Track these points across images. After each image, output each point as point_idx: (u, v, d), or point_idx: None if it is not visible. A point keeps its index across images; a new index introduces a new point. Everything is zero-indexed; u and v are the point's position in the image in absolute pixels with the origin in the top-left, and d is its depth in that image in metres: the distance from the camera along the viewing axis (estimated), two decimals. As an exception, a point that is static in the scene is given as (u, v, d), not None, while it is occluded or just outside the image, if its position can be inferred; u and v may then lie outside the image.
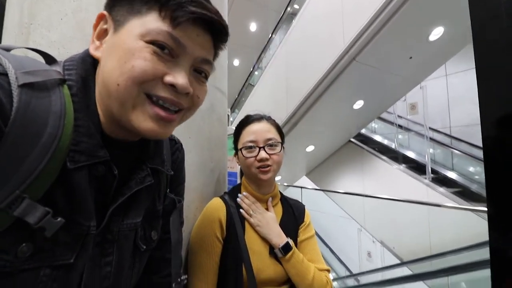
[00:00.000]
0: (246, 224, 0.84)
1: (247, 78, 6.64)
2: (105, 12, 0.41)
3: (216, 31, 0.42)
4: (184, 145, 0.90)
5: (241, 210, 0.85)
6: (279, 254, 0.79)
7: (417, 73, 3.48)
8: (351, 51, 2.93)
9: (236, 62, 8.85)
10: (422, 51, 3.06)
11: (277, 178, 6.09)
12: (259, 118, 0.90)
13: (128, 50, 0.37)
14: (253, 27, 7.69)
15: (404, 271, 3.38)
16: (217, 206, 0.84)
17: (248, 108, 5.29)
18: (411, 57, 3.10)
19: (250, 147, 0.85)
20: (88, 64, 0.42)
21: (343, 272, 4.96)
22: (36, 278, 0.34)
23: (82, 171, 0.37)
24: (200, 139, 0.96)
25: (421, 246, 3.39)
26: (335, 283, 4.73)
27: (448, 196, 3.78)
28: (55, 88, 0.36)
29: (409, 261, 3.41)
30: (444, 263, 2.87)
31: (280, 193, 0.96)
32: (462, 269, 2.22)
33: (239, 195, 0.88)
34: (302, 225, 0.90)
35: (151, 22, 0.37)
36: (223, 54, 1.18)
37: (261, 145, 0.84)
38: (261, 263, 0.78)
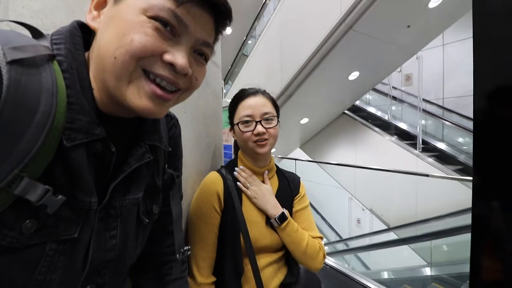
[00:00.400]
0: (243, 196, 0.87)
1: (240, 48, 6.40)
2: None
3: (219, 14, 0.41)
4: (180, 121, 0.89)
5: (238, 183, 0.87)
6: (275, 223, 0.83)
7: (414, 42, 3.41)
8: (348, 20, 2.83)
9: (228, 30, 8.48)
10: (421, 19, 2.97)
11: (272, 150, 6.16)
12: (254, 92, 0.89)
13: (129, 23, 0.36)
14: (245, -8, 7.26)
15: (391, 236, 3.61)
16: (214, 180, 0.86)
17: (242, 79, 5.18)
18: (409, 26, 3.02)
19: (247, 122, 0.85)
20: (76, 38, 0.40)
21: (333, 237, 5.27)
22: (43, 252, 0.35)
23: (79, 149, 0.37)
24: (195, 114, 0.96)
25: (408, 214, 3.59)
26: (326, 247, 5.03)
27: (436, 166, 3.93)
28: (45, 65, 0.34)
29: (395, 227, 3.62)
30: (428, 229, 3.07)
31: (276, 166, 0.99)
32: (445, 234, 2.38)
33: (236, 168, 0.90)
34: (297, 196, 0.94)
35: None
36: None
37: (258, 119, 0.84)
38: (258, 232, 0.82)
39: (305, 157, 5.87)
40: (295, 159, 3.76)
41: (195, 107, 0.96)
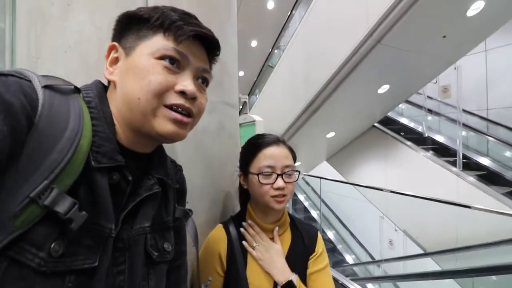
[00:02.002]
0: (249, 256, 0.80)
1: (266, 60, 6.42)
2: (115, 43, 0.48)
3: (210, 45, 0.50)
4: (195, 169, 0.90)
5: (243, 242, 0.81)
6: None
7: (452, 52, 3.16)
8: (376, 34, 2.70)
9: (253, 43, 8.58)
10: (458, 29, 2.75)
11: (297, 164, 6.04)
12: (276, 141, 0.83)
13: (143, 67, 0.43)
14: (270, 5, 7.32)
15: (427, 261, 3.31)
16: (218, 238, 0.81)
17: (268, 93, 5.17)
18: (444, 36, 2.80)
19: (269, 174, 0.78)
20: (100, 88, 0.48)
21: (364, 257, 4.98)
22: (63, 284, 0.35)
23: (103, 173, 0.41)
24: (210, 160, 0.95)
25: (447, 239, 3.27)
26: (356, 268, 4.78)
27: (480, 187, 3.53)
28: (72, 95, 0.41)
29: (433, 252, 3.32)
30: (470, 258, 2.77)
31: (291, 216, 0.91)
32: (496, 270, 2.09)
33: (244, 223, 0.84)
34: (313, 255, 0.85)
35: (158, 42, 0.44)
36: (232, 64, 1.13)
37: (279, 172, 0.78)
38: None
39: (331, 170, 5.67)
40: (320, 177, 3.62)
41: (211, 154, 0.95)
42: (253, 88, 6.80)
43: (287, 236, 0.86)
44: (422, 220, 3.61)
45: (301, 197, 7.11)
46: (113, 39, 0.49)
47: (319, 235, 0.90)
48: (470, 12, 2.55)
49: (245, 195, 0.93)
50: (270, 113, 4.61)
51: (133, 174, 0.47)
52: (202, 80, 0.51)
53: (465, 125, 4.37)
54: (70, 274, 0.36)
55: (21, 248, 0.32)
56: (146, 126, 0.44)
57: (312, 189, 6.50)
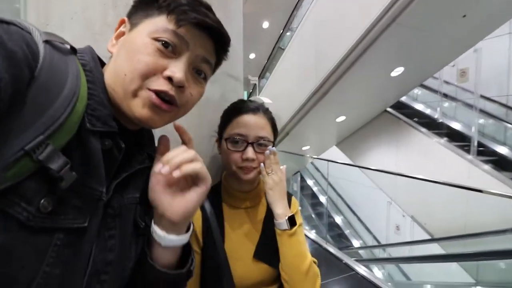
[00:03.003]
0: (226, 229, 0.78)
1: (277, 41, 6.28)
2: (125, 18, 0.49)
3: (217, 38, 0.49)
4: (199, 135, 0.93)
5: (261, 165, 0.76)
6: (284, 226, 0.72)
7: (472, 34, 2.98)
8: (391, 12, 2.58)
9: (265, 25, 8.38)
10: (480, 8, 2.58)
11: (305, 147, 6.02)
12: (255, 109, 0.78)
13: (137, 45, 0.43)
14: (284, -17, 7.05)
15: (434, 247, 3.30)
16: None
17: (277, 75, 5.10)
18: (464, 15, 2.64)
19: (237, 141, 0.74)
20: (94, 53, 0.47)
21: (370, 241, 5.01)
22: (51, 241, 0.35)
23: (96, 137, 0.40)
24: (212, 132, 0.97)
25: (455, 225, 3.24)
26: (362, 251, 4.83)
27: (494, 175, 3.43)
28: (70, 55, 0.41)
29: (440, 238, 3.30)
30: (478, 244, 2.74)
31: None
32: (501, 255, 2.08)
33: (270, 148, 0.77)
34: None
35: (159, 22, 0.44)
36: (237, 36, 1.12)
37: (251, 141, 0.74)
38: (245, 269, 0.75)
39: (341, 156, 5.62)
40: (328, 161, 3.61)
41: (212, 125, 0.97)
42: (264, 70, 6.72)
43: (264, 203, 0.85)
44: (431, 206, 3.57)
45: (310, 182, 7.14)
46: (127, 14, 0.49)
47: (293, 199, 0.89)
48: (495, -12, 2.39)
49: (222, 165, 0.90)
50: (280, 95, 4.56)
51: (125, 145, 0.47)
52: (199, 71, 0.49)
53: (482, 111, 4.20)
54: (59, 232, 0.36)
55: (10, 201, 0.31)
56: (124, 105, 0.44)
57: (322, 174, 6.51)
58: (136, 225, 0.51)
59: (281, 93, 4.64)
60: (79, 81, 0.38)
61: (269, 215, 0.82)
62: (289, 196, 0.87)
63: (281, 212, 0.74)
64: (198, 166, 0.49)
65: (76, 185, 0.37)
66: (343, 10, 3.29)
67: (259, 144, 0.75)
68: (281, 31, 5.90)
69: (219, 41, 0.49)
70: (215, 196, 0.82)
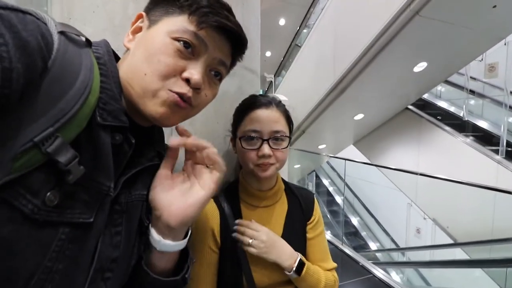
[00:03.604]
0: None
1: (293, 38, 6.21)
2: (143, 13, 0.48)
3: (236, 42, 0.49)
4: (215, 131, 0.92)
5: (236, 237, 0.73)
6: (294, 275, 0.71)
7: (502, 25, 2.80)
8: (414, 4, 2.46)
9: (282, 22, 8.30)
10: (513, -3, 2.42)
11: (321, 146, 5.92)
12: (267, 103, 0.75)
13: (156, 44, 0.43)
14: (301, -20, 6.96)
15: (457, 252, 3.15)
16: (209, 214, 0.75)
17: (294, 72, 5.04)
18: (495, 6, 2.48)
19: (252, 138, 0.71)
20: (109, 47, 0.47)
21: (388, 244, 4.86)
22: (56, 235, 0.35)
23: (107, 132, 0.40)
24: (228, 125, 0.96)
25: (481, 230, 3.06)
26: (379, 255, 4.69)
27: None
28: (84, 48, 0.40)
29: (464, 243, 3.13)
30: (507, 251, 2.58)
31: (284, 181, 0.87)
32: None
33: (233, 234, 0.73)
34: (310, 221, 0.82)
35: (180, 22, 0.44)
36: (254, 30, 1.11)
37: (266, 137, 0.71)
38: (264, 270, 0.73)
39: (359, 155, 5.48)
40: (345, 159, 3.52)
41: (228, 118, 0.96)
42: (280, 68, 6.67)
43: (283, 202, 0.83)
44: (455, 208, 3.40)
45: (325, 181, 7.03)
46: (145, 9, 0.49)
47: (316, 200, 0.87)
48: (530, -24, 2.23)
49: (239, 162, 0.88)
50: (296, 93, 4.51)
51: (136, 141, 0.46)
52: (216, 73, 0.49)
53: (513, 108, 3.94)
54: (64, 226, 0.35)
55: (16, 192, 0.31)
56: (141, 102, 0.44)
57: (338, 174, 6.38)
58: (141, 223, 0.51)
59: (297, 90, 4.58)
60: (92, 74, 0.38)
61: (290, 214, 0.80)
62: (312, 200, 0.86)
63: (287, 264, 0.71)
64: (215, 151, 0.49)
65: (84, 179, 0.36)
66: (363, 3, 3.19)
67: (275, 138, 0.72)
68: (298, 28, 5.82)
69: (237, 44, 0.50)
70: (233, 195, 0.80)
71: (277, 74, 6.83)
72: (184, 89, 0.44)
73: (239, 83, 1.00)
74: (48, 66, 0.32)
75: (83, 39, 0.41)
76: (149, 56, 0.43)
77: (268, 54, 9.27)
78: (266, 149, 0.70)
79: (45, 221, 0.33)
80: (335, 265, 0.81)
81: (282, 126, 0.74)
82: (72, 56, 0.36)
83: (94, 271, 0.41)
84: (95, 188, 0.39)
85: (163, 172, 0.50)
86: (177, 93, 0.43)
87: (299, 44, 5.68)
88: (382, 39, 2.88)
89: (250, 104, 0.76)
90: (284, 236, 0.77)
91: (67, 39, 0.37)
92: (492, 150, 3.65)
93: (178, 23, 0.44)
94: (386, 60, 3.12)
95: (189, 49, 0.44)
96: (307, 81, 4.32)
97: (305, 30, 5.70)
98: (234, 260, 0.71)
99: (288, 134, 0.75)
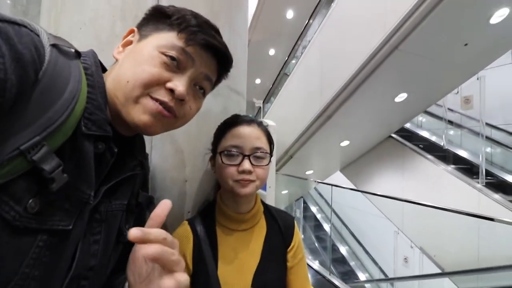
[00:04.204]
0: (220, 254, 0.72)
1: (282, 68, 6.48)
2: (135, 28, 0.51)
3: (221, 59, 0.52)
4: (196, 150, 0.90)
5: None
6: None
7: (474, 62, 3.04)
8: (393, 40, 2.66)
9: (271, 52, 8.70)
10: (481, 37, 2.66)
11: (309, 172, 5.94)
12: (249, 121, 0.75)
13: (144, 56, 0.45)
14: (290, 14, 7.44)
15: (445, 282, 3.09)
16: (182, 237, 0.71)
17: (282, 99, 5.18)
18: (466, 44, 2.71)
19: (232, 154, 0.70)
20: (96, 58, 0.48)
21: (377, 273, 4.74)
22: (34, 242, 0.35)
23: (90, 141, 0.41)
24: (208, 144, 0.95)
25: (468, 259, 3.05)
26: (368, 285, 4.55)
27: (504, 204, 3.30)
28: (74, 60, 0.41)
29: (452, 272, 3.10)
30: (494, 280, 2.56)
31: (264, 204, 0.85)
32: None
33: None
34: (291, 247, 0.79)
35: (169, 38, 0.46)
36: (240, 53, 1.15)
37: (247, 153, 0.70)
38: None
39: (346, 181, 5.51)
40: (332, 185, 3.53)
41: (210, 136, 0.96)
42: (268, 95, 6.86)
43: (262, 225, 0.80)
44: (440, 237, 3.40)
45: (313, 209, 6.95)
46: (137, 25, 0.51)
47: (296, 228, 0.84)
48: (494, 19, 2.47)
49: (218, 183, 0.85)
50: (284, 119, 4.60)
51: (117, 150, 0.47)
52: (200, 87, 0.51)
53: (489, 139, 4.15)
54: (42, 233, 0.36)
55: None
56: (124, 111, 0.45)
57: (326, 201, 6.35)
58: (120, 232, 0.51)
59: (286, 116, 4.68)
60: (80, 85, 0.39)
61: (269, 239, 0.77)
62: (292, 224, 0.82)
63: None
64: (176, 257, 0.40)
65: (66, 187, 0.37)
66: (346, 37, 3.41)
67: (255, 156, 0.71)
68: (287, 58, 6.10)
69: (223, 62, 0.52)
70: (209, 217, 0.76)
71: (266, 100, 7.01)
72: (167, 98, 0.45)
73: (224, 103, 1.01)
74: (39, 78, 0.34)
75: (73, 50, 0.42)
76: (135, 66, 0.44)
77: (258, 81, 9.58)
78: (246, 164, 0.69)
79: (25, 228, 0.34)
80: None
81: (263, 143, 0.73)
82: (62, 67, 0.38)
83: (71, 279, 0.40)
84: (76, 196, 0.39)
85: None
86: (159, 101, 0.44)
87: (287, 73, 5.92)
88: (364, 71, 3.06)
89: (232, 122, 0.76)
90: (262, 263, 0.73)
91: (58, 51, 0.38)
92: (473, 179, 3.76)
93: (167, 39, 0.46)
94: (369, 90, 3.28)
95: (174, 62, 0.45)
96: (295, 108, 4.44)
97: (293, 61, 5.98)
98: (209, 286, 0.66)
99: (268, 152, 0.75)
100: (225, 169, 0.70)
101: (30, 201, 0.33)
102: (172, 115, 0.47)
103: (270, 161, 0.75)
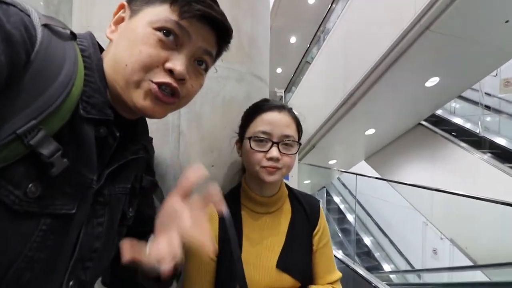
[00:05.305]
0: (245, 236, 0.72)
1: (304, 55, 6.32)
2: (125, 3, 0.47)
3: (220, 30, 0.48)
4: (222, 136, 0.93)
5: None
6: None
7: (517, 40, 2.78)
8: (424, 20, 2.48)
9: (293, 39, 8.51)
10: (526, 12, 2.40)
11: (332, 161, 5.83)
12: (279, 106, 0.74)
13: (138, 35, 0.42)
14: None
15: (478, 275, 2.95)
16: (209, 219, 0.71)
17: (304, 86, 5.08)
18: (507, 21, 2.47)
19: (261, 140, 0.69)
20: (94, 39, 0.47)
21: (403, 265, 4.63)
22: (37, 226, 0.35)
23: (90, 125, 0.40)
24: (237, 130, 0.96)
25: (503, 251, 2.87)
26: (393, 276, 4.45)
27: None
28: (69, 41, 0.40)
29: (485, 265, 2.94)
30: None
31: (288, 188, 0.84)
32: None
33: None
34: (316, 231, 0.79)
35: (162, 12, 0.43)
36: (263, 39, 1.14)
37: (276, 140, 0.69)
38: (266, 279, 0.69)
39: (371, 171, 5.35)
40: (356, 174, 3.44)
41: (237, 124, 0.97)
42: (290, 84, 6.76)
43: (287, 209, 0.80)
44: (474, 228, 3.22)
45: (336, 199, 6.86)
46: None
47: (321, 208, 0.83)
48: (543, -9, 2.22)
49: (242, 168, 0.86)
50: (306, 107, 4.53)
51: (120, 134, 0.46)
52: (200, 62, 0.48)
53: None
54: (46, 217, 0.36)
55: None
56: (126, 95, 0.43)
57: (349, 191, 6.22)
58: (123, 214, 0.51)
59: (307, 105, 4.60)
60: (76, 67, 0.38)
61: (295, 222, 0.77)
62: (318, 208, 0.82)
63: None
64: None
65: (67, 171, 0.36)
66: (373, 20, 3.24)
67: (284, 144, 0.70)
68: (308, 45, 5.93)
69: (222, 33, 0.48)
70: (234, 200, 0.77)
71: (288, 90, 6.91)
72: (168, 79, 0.43)
73: (248, 89, 1.01)
74: (31, 59, 0.33)
75: (68, 32, 0.40)
76: (131, 47, 0.42)
77: (279, 70, 9.45)
78: (275, 151, 0.68)
79: (26, 212, 0.33)
80: (340, 275, 0.78)
81: (292, 131, 0.72)
82: (55, 49, 0.36)
83: (75, 261, 0.41)
84: (78, 180, 0.39)
85: (170, 198, 0.46)
86: (160, 83, 0.43)
87: (309, 61, 5.77)
88: (392, 54, 2.90)
89: (262, 106, 0.75)
90: (286, 245, 0.74)
91: (51, 32, 0.37)
92: (511, 167, 3.48)
93: (159, 13, 0.43)
94: (397, 75, 3.12)
95: (170, 38, 0.43)
96: (318, 96, 4.34)
97: (314, 49, 5.80)
98: (231, 270, 0.67)
99: (297, 140, 0.74)
100: (252, 154, 0.70)
101: (30, 185, 0.33)
102: (175, 99, 0.46)
103: (298, 149, 0.74)
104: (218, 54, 0.53)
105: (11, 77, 0.31)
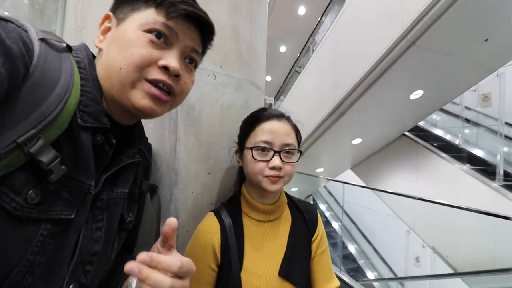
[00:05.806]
0: (247, 244, 0.72)
1: (293, 65, 6.43)
2: (110, 13, 0.49)
3: (204, 28, 0.50)
4: (219, 143, 0.91)
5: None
6: None
7: (494, 58, 2.95)
8: (410, 35, 2.60)
9: (282, 49, 8.64)
10: (502, 32, 2.57)
11: (319, 170, 5.91)
12: (279, 115, 0.75)
13: (128, 39, 0.44)
14: (301, 10, 7.36)
15: (457, 282, 3.04)
16: (210, 228, 0.71)
17: (294, 95, 5.15)
18: (486, 39, 2.63)
19: (263, 149, 0.70)
20: (88, 51, 0.48)
21: (386, 273, 4.69)
22: (37, 231, 0.36)
23: (87, 133, 0.41)
24: (234, 138, 0.96)
25: (482, 259, 2.98)
26: (376, 284, 4.51)
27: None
28: (64, 53, 0.42)
29: (465, 273, 3.04)
30: (510, 281, 2.50)
31: (287, 195, 0.85)
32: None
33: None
34: (315, 237, 0.80)
35: (149, 15, 0.45)
36: (261, 46, 1.15)
37: (277, 149, 0.70)
38: (270, 287, 0.69)
39: (356, 179, 5.45)
40: (344, 182, 3.50)
41: (234, 131, 0.96)
42: (279, 92, 6.83)
43: (287, 216, 0.81)
44: (454, 236, 3.34)
45: (322, 207, 6.92)
46: (111, 9, 0.49)
47: (319, 215, 0.85)
48: (518, 14, 2.38)
49: (241, 175, 0.86)
50: (294, 116, 4.57)
51: (116, 140, 0.47)
52: (190, 60, 0.50)
53: (508, 138, 4.02)
54: (46, 222, 0.37)
55: None
56: (123, 97, 0.44)
57: (335, 199, 6.30)
58: (122, 219, 0.53)
59: (296, 113, 4.62)
60: (72, 78, 0.39)
61: (294, 229, 0.77)
62: (315, 214, 0.83)
63: None
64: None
65: (65, 178, 0.38)
66: (360, 34, 3.35)
67: (285, 152, 0.71)
68: (298, 55, 6.05)
69: (205, 31, 0.51)
70: (234, 209, 0.77)
71: (277, 98, 6.98)
72: (162, 76, 0.45)
73: (245, 97, 1.01)
74: (29, 72, 0.34)
75: (64, 45, 0.42)
76: (122, 51, 0.43)
77: (268, 78, 9.55)
78: (277, 160, 0.69)
79: (27, 218, 0.35)
80: (338, 283, 0.78)
81: (292, 139, 0.73)
82: (52, 62, 0.38)
83: (75, 264, 0.42)
84: (76, 186, 0.40)
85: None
86: (155, 80, 0.44)
87: (298, 71, 5.87)
88: (380, 67, 3.00)
89: (261, 115, 0.75)
90: (288, 252, 0.74)
91: (48, 46, 0.38)
92: (489, 179, 3.66)
93: (147, 16, 0.44)
94: (383, 87, 3.22)
95: (161, 38, 0.45)
96: (306, 105, 4.41)
97: (304, 57, 5.92)
98: (229, 279, 0.67)
99: (297, 148, 0.75)
100: (255, 164, 0.70)
101: (30, 192, 0.34)
102: (171, 97, 0.47)
103: (299, 157, 0.75)
104: (203, 52, 0.55)
105: (11, 89, 0.32)
